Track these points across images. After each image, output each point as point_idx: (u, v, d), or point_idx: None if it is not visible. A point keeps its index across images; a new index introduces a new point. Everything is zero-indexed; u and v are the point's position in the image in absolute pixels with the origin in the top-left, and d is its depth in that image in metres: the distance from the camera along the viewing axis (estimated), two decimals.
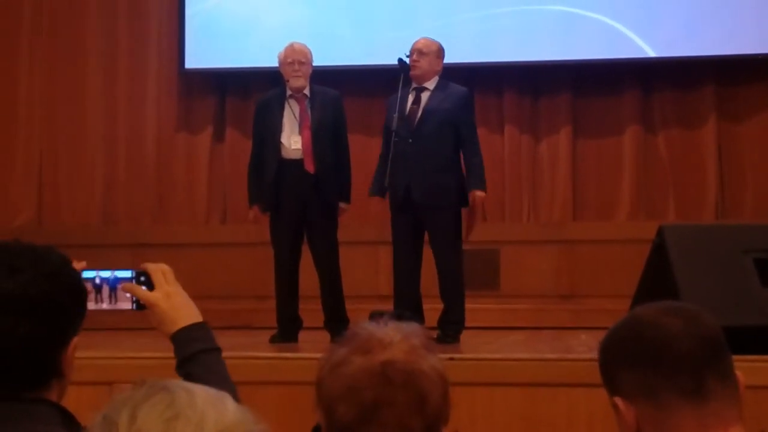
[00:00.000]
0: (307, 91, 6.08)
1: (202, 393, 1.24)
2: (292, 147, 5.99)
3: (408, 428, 1.59)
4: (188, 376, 1.99)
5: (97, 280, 2.13)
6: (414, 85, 6.02)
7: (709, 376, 1.62)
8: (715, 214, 7.55)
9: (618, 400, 1.67)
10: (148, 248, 7.30)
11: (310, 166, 5.97)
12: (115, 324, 6.47)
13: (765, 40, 7.38)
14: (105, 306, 2.16)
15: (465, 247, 6.01)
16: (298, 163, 5.97)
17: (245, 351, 5.00)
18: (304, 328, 6.07)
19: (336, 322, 5.86)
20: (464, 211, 5.89)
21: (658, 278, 4.88)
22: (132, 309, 2.12)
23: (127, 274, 2.08)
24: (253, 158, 6.17)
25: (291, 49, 6.12)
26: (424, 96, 5.98)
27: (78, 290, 1.79)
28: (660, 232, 5.03)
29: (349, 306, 6.04)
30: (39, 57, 8.20)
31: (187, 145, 8.14)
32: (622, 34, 7.52)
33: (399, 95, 5.89)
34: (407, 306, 5.74)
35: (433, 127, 5.87)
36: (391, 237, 5.99)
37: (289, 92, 6.08)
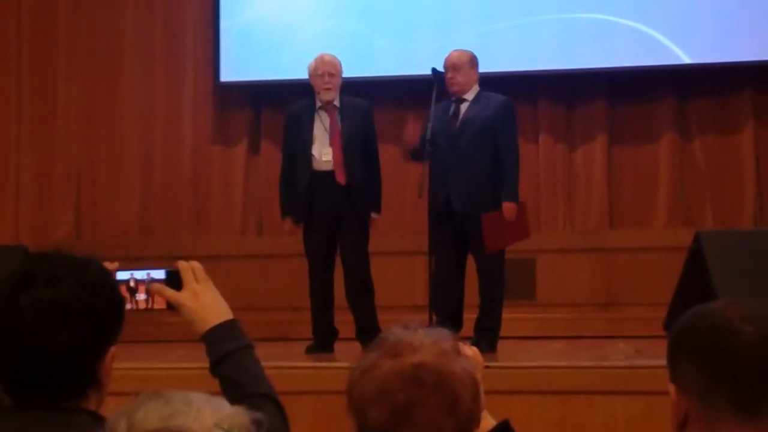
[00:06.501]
0: (336, 102, 6.10)
1: (199, 395, 1.28)
2: (323, 159, 6.01)
3: (440, 430, 1.60)
4: (222, 378, 1.99)
5: (132, 283, 2.13)
6: (453, 97, 6.02)
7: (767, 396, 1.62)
8: (754, 221, 7.46)
9: (672, 388, 1.66)
10: (185, 260, 7.31)
11: (341, 178, 5.99)
12: (154, 336, 6.52)
13: None
14: (140, 306, 2.16)
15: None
16: (329, 175, 5.99)
17: (282, 361, 5.02)
18: (339, 338, 6.07)
19: (368, 332, 5.78)
20: (486, 220, 5.73)
21: (695, 284, 4.86)
22: (167, 309, 2.11)
23: (161, 274, 2.08)
24: (284, 170, 6.20)
25: (321, 61, 6.13)
26: (463, 107, 5.98)
27: (116, 300, 1.81)
28: (697, 237, 5.01)
29: (385, 317, 6.02)
30: (76, 71, 8.27)
31: (222, 158, 8.18)
32: (657, 41, 7.48)
33: (432, 106, 5.89)
34: (447, 316, 5.72)
35: (472, 136, 5.87)
36: (432, 247, 5.92)
37: (319, 104, 6.10)
